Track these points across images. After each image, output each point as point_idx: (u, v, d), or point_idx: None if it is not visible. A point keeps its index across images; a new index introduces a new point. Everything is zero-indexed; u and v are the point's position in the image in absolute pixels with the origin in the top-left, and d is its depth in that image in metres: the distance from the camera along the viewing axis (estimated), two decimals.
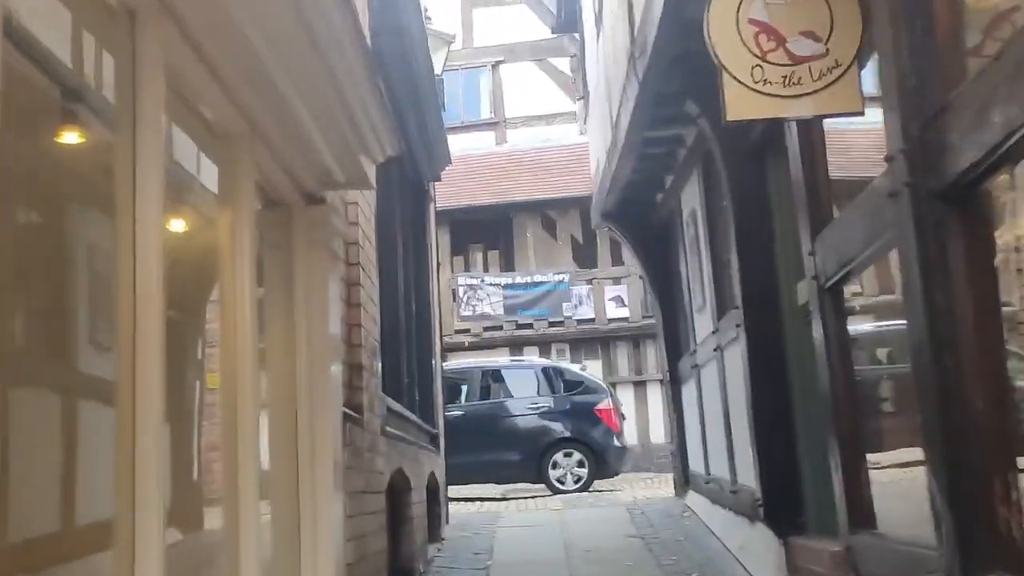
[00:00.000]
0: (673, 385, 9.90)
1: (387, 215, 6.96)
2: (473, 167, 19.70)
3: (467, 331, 18.38)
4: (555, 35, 20.37)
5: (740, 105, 3.55)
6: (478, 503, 12.05)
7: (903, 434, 3.87)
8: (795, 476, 5.42)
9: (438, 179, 9.64)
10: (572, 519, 9.61)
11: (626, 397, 17.97)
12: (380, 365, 5.40)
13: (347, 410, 4.17)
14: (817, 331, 4.30)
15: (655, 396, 17.93)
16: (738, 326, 5.84)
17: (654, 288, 10.18)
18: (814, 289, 4.31)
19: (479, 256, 19.52)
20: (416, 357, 8.63)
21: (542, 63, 20.30)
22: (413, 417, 7.17)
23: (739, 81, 3.50)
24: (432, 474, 8.27)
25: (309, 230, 3.54)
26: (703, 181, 7.22)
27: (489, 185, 19.10)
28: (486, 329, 18.38)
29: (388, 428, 5.42)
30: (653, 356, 18.17)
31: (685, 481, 9.79)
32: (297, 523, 3.34)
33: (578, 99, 19.18)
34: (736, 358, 6.13)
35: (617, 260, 18.80)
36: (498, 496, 12.76)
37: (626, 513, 9.69)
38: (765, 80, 3.50)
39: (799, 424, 5.43)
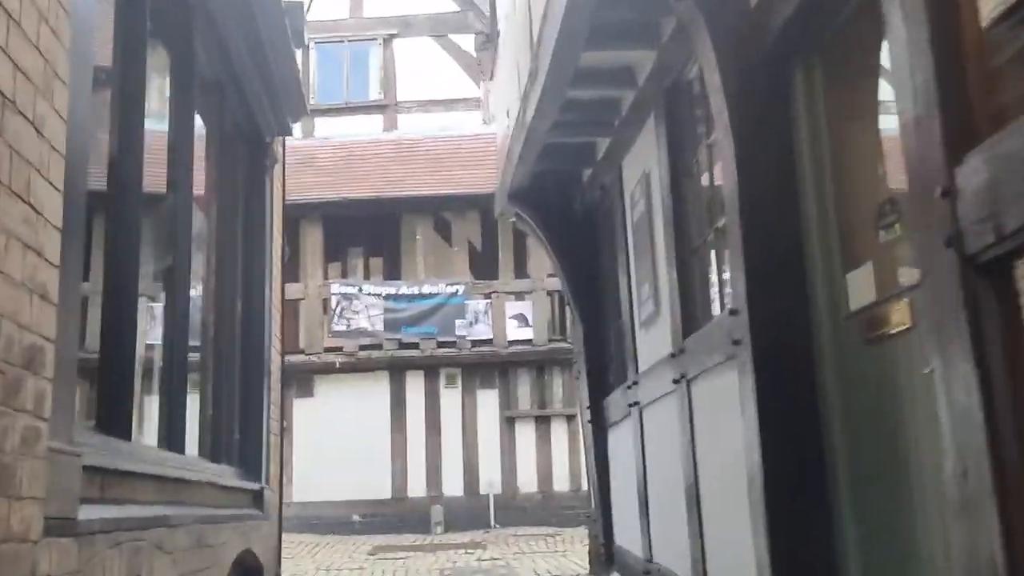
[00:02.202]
0: (596, 428, 7.73)
1: (181, 165, 4.66)
2: (355, 155, 17.32)
3: (339, 350, 15.89)
4: (459, 8, 18.27)
5: None
6: (329, 572, 9.59)
7: None
8: None
9: (287, 132, 7.25)
10: None
11: (526, 435, 15.79)
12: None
13: None
14: (961, 341, 2.12)
15: (560, 434, 15.81)
16: (736, 343, 3.67)
17: (575, 298, 8.01)
18: (952, 264, 2.14)
19: (359, 261, 17.06)
20: (239, 384, 6.26)
21: (442, 40, 18.11)
22: (192, 472, 4.78)
23: None
24: (248, 553, 5.83)
25: None
26: (667, 131, 5.08)
27: (374, 177, 16.73)
28: (362, 348, 15.93)
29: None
30: (560, 387, 16.06)
31: (607, 558, 7.60)
32: None
33: (483, 80, 17.07)
34: (725, 394, 3.98)
35: (521, 272, 16.65)
36: (355, 566, 10.30)
37: None
38: None
39: (846, 502, 3.29)
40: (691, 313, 4.80)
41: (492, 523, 15.07)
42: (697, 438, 4.63)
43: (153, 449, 4.26)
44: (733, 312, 3.70)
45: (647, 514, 5.96)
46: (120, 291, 3.55)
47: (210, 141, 5.79)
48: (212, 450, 5.38)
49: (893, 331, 2.99)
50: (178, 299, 4.61)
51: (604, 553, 7.64)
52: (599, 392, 7.73)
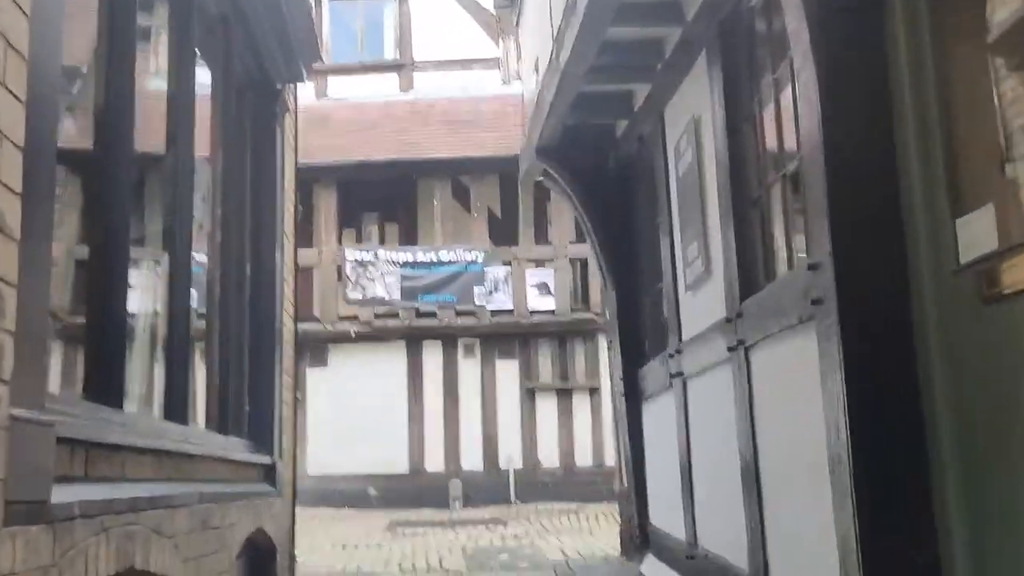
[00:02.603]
0: (630, 401, 7.29)
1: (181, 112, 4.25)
2: (370, 117, 16.83)
3: (355, 318, 15.50)
4: None
5: None
6: (345, 549, 9.23)
7: None
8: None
9: (299, 79, 6.78)
10: None
11: (547, 408, 15.39)
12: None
13: None
14: None
15: (582, 408, 15.41)
16: (816, 302, 3.21)
17: (607, 262, 7.55)
18: None
19: (374, 227, 16.62)
20: (249, 352, 5.87)
21: None
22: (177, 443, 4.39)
23: None
24: (260, 532, 5.44)
25: None
26: (722, 70, 4.58)
27: (389, 140, 16.24)
28: (378, 317, 15.53)
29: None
30: (582, 358, 15.63)
31: (642, 540, 7.19)
32: None
33: (502, 38, 16.51)
34: (798, 362, 3.53)
35: (542, 239, 16.18)
36: (373, 543, 9.95)
37: None
38: None
39: (953, 492, 2.84)
40: (750, 273, 4.34)
41: (512, 498, 14.73)
42: (758, 413, 4.18)
43: (153, 420, 3.85)
44: (813, 267, 3.24)
45: (691, 495, 5.54)
46: (109, 249, 3.13)
47: (215, 87, 5.34)
48: (220, 422, 4.98)
49: (1019, 288, 2.53)
50: (180, 260, 4.19)
51: (639, 535, 7.23)
52: (633, 363, 7.29)
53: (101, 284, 3.09)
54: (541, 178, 8.30)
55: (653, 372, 6.67)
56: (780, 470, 3.95)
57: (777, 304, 3.82)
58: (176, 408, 4.04)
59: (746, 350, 4.28)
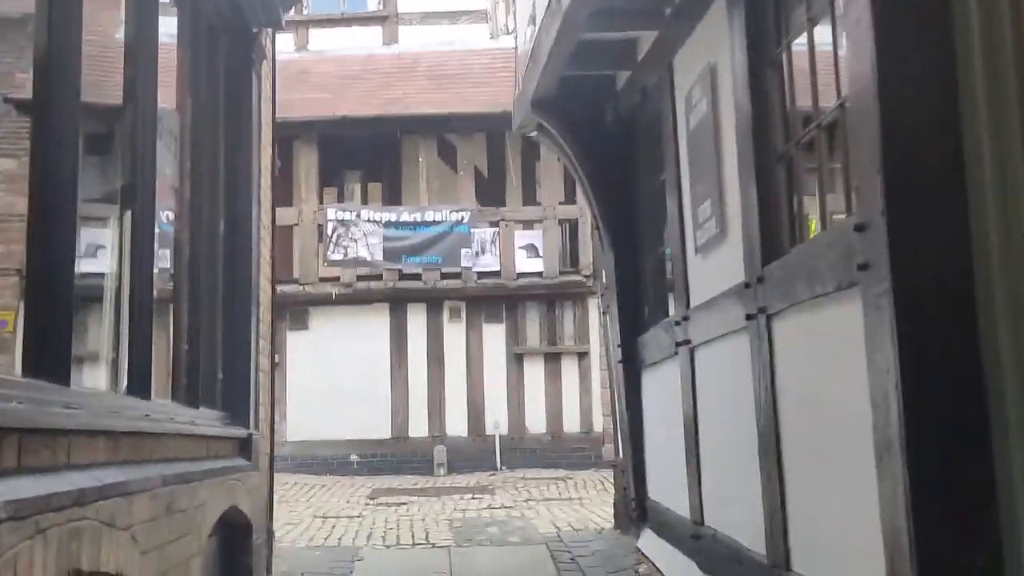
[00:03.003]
0: (628, 369, 6.96)
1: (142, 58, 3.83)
2: (353, 71, 16.30)
3: (336, 280, 15.07)
4: None
5: None
6: (325, 522, 8.91)
7: None
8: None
9: (277, 23, 6.31)
10: (466, 566, 6.61)
11: (535, 373, 15.08)
12: None
13: None
14: None
15: (571, 373, 15.10)
16: (863, 268, 2.85)
17: (605, 223, 7.19)
18: None
19: (356, 186, 16.13)
20: (223, 316, 5.51)
21: None
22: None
23: None
24: (234, 509, 5.09)
25: None
26: (745, 11, 4.17)
27: (373, 95, 15.71)
28: (360, 278, 15.10)
29: None
30: (571, 322, 15.30)
31: (639, 514, 6.89)
32: None
33: None
34: (835, 332, 3.18)
35: (531, 199, 15.76)
36: (354, 513, 9.63)
37: (548, 560, 6.74)
38: None
39: (1021, 482, 2.52)
40: (774, 234, 3.97)
41: (498, 465, 14.45)
42: (781, 386, 3.84)
43: (107, 396, 3.47)
44: (860, 228, 2.87)
45: (697, 471, 5.22)
46: (53, 207, 2.73)
47: (182, 28, 4.90)
48: (188, 393, 4.61)
49: None
50: (142, 218, 3.78)
51: (635, 508, 6.94)
52: (632, 329, 6.96)
53: (43, 242, 2.69)
54: (534, 133, 7.90)
55: (655, 339, 6.32)
56: (807, 451, 3.62)
57: (809, 269, 3.45)
58: (137, 381, 3.66)
59: (768, 318, 3.93)
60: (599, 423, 14.76)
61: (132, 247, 3.71)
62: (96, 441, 2.87)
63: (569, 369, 15.09)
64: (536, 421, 14.92)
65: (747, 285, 4.15)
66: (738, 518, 4.48)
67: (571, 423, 14.90)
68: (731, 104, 4.36)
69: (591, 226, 8.07)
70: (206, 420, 4.83)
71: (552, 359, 15.15)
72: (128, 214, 3.75)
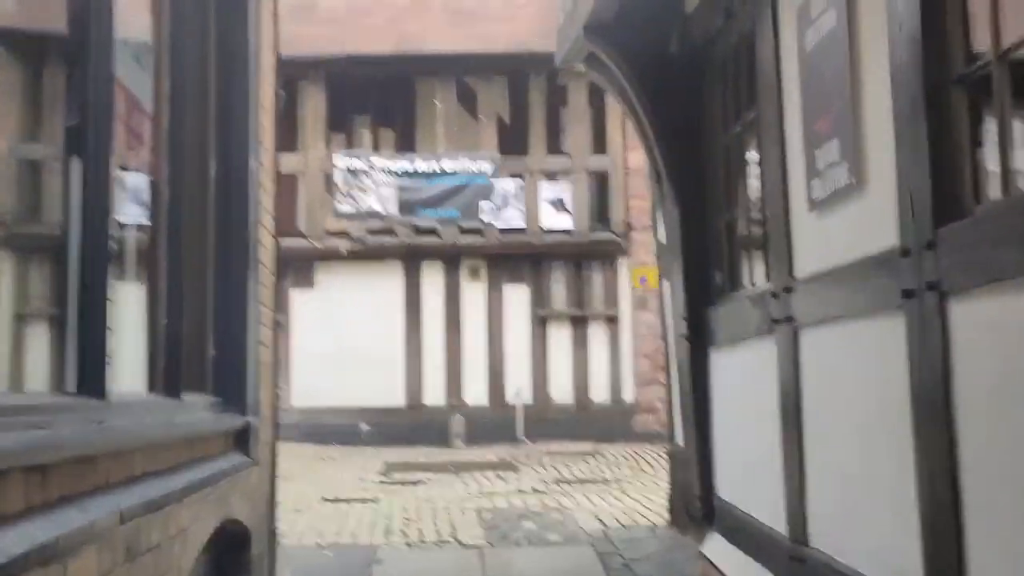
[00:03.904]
0: (695, 346, 6.02)
1: None
2: (363, 5, 15.15)
3: (345, 234, 14.12)
4: None
5: None
6: (336, 507, 8.04)
7: None
8: None
9: None
10: (502, 571, 5.73)
11: (560, 338, 14.17)
12: None
13: None
14: None
15: (599, 338, 14.20)
16: None
17: (671, 173, 6.19)
18: None
19: (366, 131, 15.09)
20: (214, 279, 4.59)
21: None
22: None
23: None
24: (228, 522, 4.18)
25: None
26: None
27: (385, 32, 14.61)
28: (372, 232, 14.15)
29: None
30: (600, 284, 14.35)
31: (705, 513, 5.99)
32: None
33: None
34: None
35: (555, 147, 14.74)
36: (368, 496, 8.77)
37: (597, 564, 5.87)
38: None
39: None
40: (950, 185, 2.98)
41: (520, 436, 13.59)
42: (960, 385, 2.89)
43: (42, 397, 2.53)
44: None
45: (799, 478, 4.28)
46: None
47: None
48: (168, 379, 3.66)
49: None
50: (95, 164, 2.81)
51: (700, 506, 6.03)
52: (700, 299, 6.00)
53: None
54: (580, 68, 6.89)
55: (734, 313, 5.37)
56: (1001, 473, 2.67)
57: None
58: (89, 374, 2.72)
59: (941, 296, 2.96)
60: (629, 393, 13.91)
61: (83, 201, 2.76)
62: (12, 478, 1.94)
63: (597, 335, 14.17)
64: (561, 390, 14.04)
65: (904, 252, 3.18)
66: (874, 550, 3.55)
67: (599, 393, 14.02)
68: (880, 10, 3.35)
69: (652, 178, 7.08)
70: (191, 412, 3.91)
71: (579, 323, 14.23)
72: (76, 160, 2.80)
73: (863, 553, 3.66)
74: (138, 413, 3.08)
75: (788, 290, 4.38)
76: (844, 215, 3.78)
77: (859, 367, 3.66)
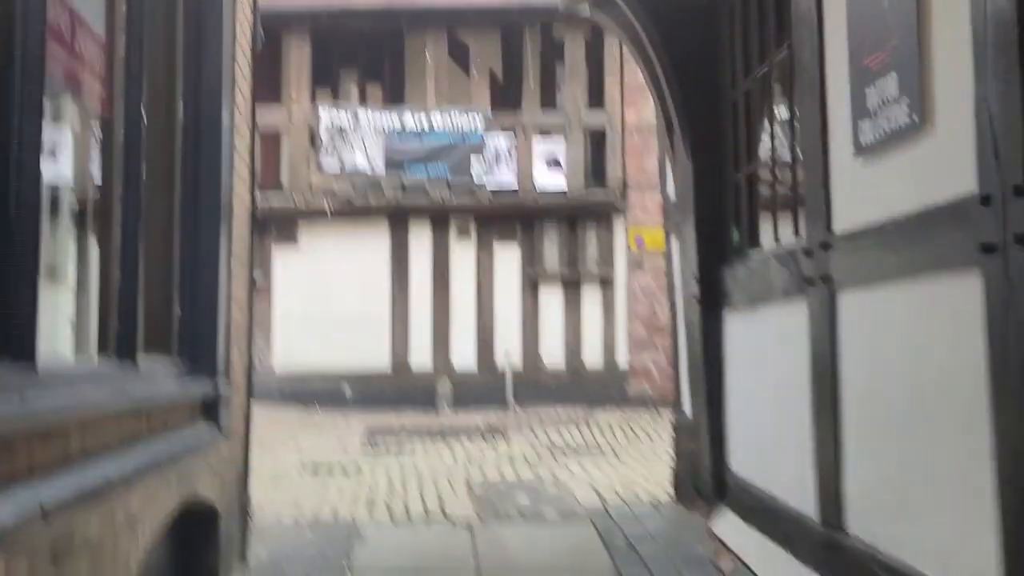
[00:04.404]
0: (707, 308, 5.57)
1: None
2: None
3: (330, 191, 13.55)
4: None
5: None
6: (316, 477, 7.58)
7: None
8: None
9: None
10: (495, 551, 5.29)
11: (552, 301, 13.70)
12: None
13: None
14: None
15: (593, 301, 13.74)
16: None
17: (686, 123, 5.69)
18: None
19: (353, 85, 14.45)
20: (180, 232, 4.11)
21: None
22: None
23: None
24: (192, 502, 3.70)
25: None
26: None
27: None
28: (358, 190, 13.57)
29: None
30: (595, 244, 13.85)
31: (716, 489, 5.57)
32: None
33: None
34: None
35: (550, 103, 14.17)
36: (349, 464, 8.31)
37: (598, 543, 5.43)
38: None
39: None
40: None
41: (510, 402, 13.15)
42: None
43: None
44: None
45: (834, 456, 3.83)
46: None
47: None
48: (121, 341, 3.16)
49: None
50: (23, 87, 2.30)
51: (711, 482, 5.60)
52: (713, 258, 5.54)
53: None
54: (585, 7, 6.36)
55: (756, 272, 4.90)
56: None
57: None
58: (17, 337, 2.22)
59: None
60: (623, 358, 13.47)
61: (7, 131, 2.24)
62: None
63: (591, 297, 13.70)
64: (553, 354, 13.59)
65: (985, 200, 2.69)
66: (927, 539, 3.11)
67: (592, 358, 13.58)
68: None
69: (662, 129, 6.56)
70: (149, 379, 3.41)
71: (572, 286, 13.74)
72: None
73: (919, 545, 3.21)
74: (76, 382, 2.58)
75: (825, 247, 3.90)
76: (901, 160, 3.29)
77: (918, 333, 3.19)
